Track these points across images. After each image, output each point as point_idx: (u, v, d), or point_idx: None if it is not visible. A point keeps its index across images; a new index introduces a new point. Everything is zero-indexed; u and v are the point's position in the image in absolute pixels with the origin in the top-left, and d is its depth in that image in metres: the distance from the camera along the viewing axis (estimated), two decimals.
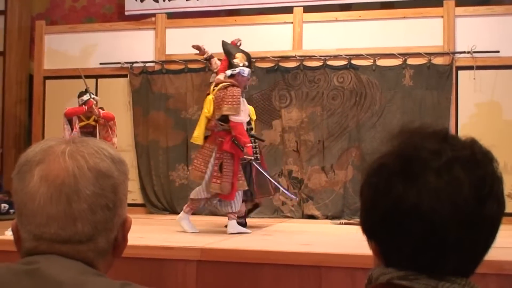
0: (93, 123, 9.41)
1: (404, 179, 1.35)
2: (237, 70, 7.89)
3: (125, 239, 1.58)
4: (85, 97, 9.37)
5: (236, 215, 7.89)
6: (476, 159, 1.36)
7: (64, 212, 1.45)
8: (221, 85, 7.87)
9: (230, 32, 11.28)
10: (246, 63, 8.02)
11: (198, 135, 7.99)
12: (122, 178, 1.54)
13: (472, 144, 1.39)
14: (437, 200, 1.32)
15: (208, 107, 7.87)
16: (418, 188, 1.33)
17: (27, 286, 1.38)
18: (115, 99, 11.54)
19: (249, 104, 10.95)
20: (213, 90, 7.92)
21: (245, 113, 7.97)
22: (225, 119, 7.69)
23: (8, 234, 6.55)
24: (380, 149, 1.44)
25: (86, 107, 9.23)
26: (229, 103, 7.65)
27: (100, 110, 9.30)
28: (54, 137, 1.57)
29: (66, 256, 1.45)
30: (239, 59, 8.01)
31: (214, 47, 11.26)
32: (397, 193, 1.35)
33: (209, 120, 7.89)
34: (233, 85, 7.80)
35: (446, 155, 1.35)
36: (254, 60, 10.95)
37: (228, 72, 7.92)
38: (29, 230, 1.49)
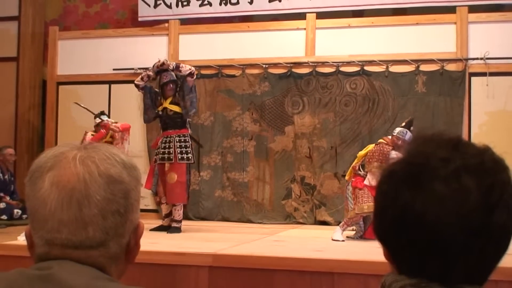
0: (110, 139, 9.59)
1: (411, 186, 1.35)
2: (396, 131, 8.26)
3: (137, 244, 1.58)
4: (97, 120, 9.93)
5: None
6: (485, 167, 1.34)
7: (75, 218, 1.45)
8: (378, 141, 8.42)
9: (243, 38, 11.33)
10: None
11: (348, 172, 8.65)
12: (133, 184, 1.54)
13: (483, 152, 1.38)
14: (443, 208, 1.31)
15: (363, 152, 8.47)
16: (424, 196, 1.33)
17: None
18: (128, 104, 11.57)
19: (261, 110, 11.01)
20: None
21: None
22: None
23: (21, 240, 6.59)
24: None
25: (104, 131, 9.65)
26: (379, 160, 8.08)
27: (116, 125, 9.66)
28: (67, 143, 1.57)
29: (78, 261, 1.45)
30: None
31: (227, 53, 11.33)
32: (404, 200, 1.35)
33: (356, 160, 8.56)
34: (386, 144, 8.20)
35: (455, 163, 1.34)
36: (267, 66, 10.99)
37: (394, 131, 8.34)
38: (41, 236, 1.49)
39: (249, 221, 10.71)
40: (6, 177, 10.96)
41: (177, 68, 8.76)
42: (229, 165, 11.19)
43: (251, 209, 10.96)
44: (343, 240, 7.92)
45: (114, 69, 11.85)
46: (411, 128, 8.21)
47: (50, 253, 1.47)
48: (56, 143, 11.45)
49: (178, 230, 8.56)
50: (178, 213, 8.74)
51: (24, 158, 12.12)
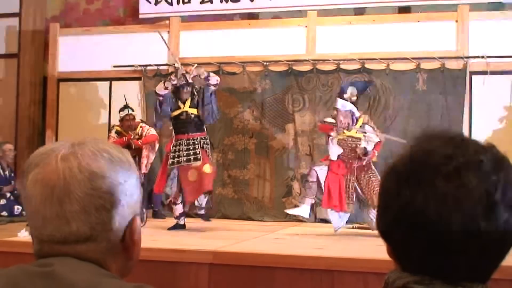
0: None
1: (412, 183, 1.35)
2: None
3: (133, 240, 1.57)
4: (122, 114, 10.07)
5: None
6: (488, 165, 1.34)
7: (56, 214, 1.46)
8: None
9: (244, 35, 11.32)
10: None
11: None
12: (121, 179, 1.53)
13: (486, 150, 1.38)
14: (443, 205, 1.31)
15: None
16: (425, 192, 1.33)
17: None
18: (128, 101, 11.55)
19: (262, 107, 10.99)
20: None
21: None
22: None
23: (21, 236, 6.59)
24: (396, 153, 1.44)
25: (125, 138, 9.83)
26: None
27: (137, 142, 9.88)
28: (63, 140, 1.57)
29: (67, 256, 1.46)
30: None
31: (227, 50, 11.32)
32: (404, 197, 1.35)
33: None
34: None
35: (457, 160, 1.34)
36: (267, 63, 10.98)
37: None
38: (31, 233, 1.53)
39: (250, 218, 10.71)
40: (6, 173, 10.96)
41: (206, 78, 8.73)
42: (230, 163, 11.18)
43: (251, 206, 10.96)
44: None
45: (114, 66, 11.83)
46: (345, 95, 8.50)
47: (42, 249, 1.50)
48: (56, 140, 11.45)
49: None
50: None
51: (24, 154, 12.10)
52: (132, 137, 9.88)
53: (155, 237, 7.11)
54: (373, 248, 6.10)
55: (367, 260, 5.66)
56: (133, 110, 10.06)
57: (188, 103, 8.75)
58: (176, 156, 8.67)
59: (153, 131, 10.10)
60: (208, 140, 8.86)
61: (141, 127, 10.13)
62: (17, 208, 10.22)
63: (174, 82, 8.77)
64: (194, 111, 8.75)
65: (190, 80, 8.71)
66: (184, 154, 8.63)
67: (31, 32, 12.81)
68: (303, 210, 8.52)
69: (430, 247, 1.34)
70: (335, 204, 8.32)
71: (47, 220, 1.47)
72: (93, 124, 11.69)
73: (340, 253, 6.25)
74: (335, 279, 5.64)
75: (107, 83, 11.95)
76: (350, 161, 8.45)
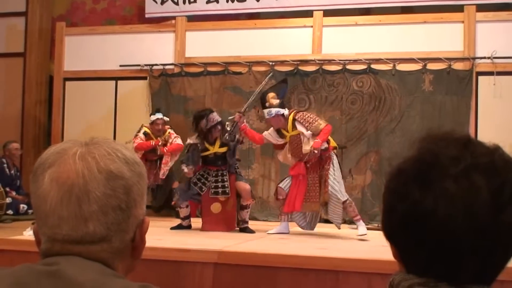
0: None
1: (420, 184, 1.35)
2: None
3: (142, 240, 1.58)
4: (153, 117, 10.39)
5: None
6: (496, 166, 1.34)
7: (74, 214, 1.46)
8: None
9: (250, 35, 11.32)
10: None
11: None
12: (135, 179, 1.54)
13: (493, 151, 1.38)
14: (452, 207, 1.31)
15: None
16: (434, 194, 1.32)
17: (48, 287, 1.39)
18: (134, 101, 11.57)
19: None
20: None
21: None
22: None
23: (26, 235, 6.60)
24: (402, 154, 1.44)
25: (153, 143, 10.15)
26: None
27: (162, 149, 10.24)
28: (71, 139, 1.57)
29: (79, 256, 1.46)
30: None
31: (233, 50, 11.30)
32: (413, 198, 1.35)
33: None
34: None
35: (465, 161, 1.33)
36: (273, 63, 10.97)
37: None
38: (43, 232, 1.51)
39: (254, 218, 10.68)
40: (12, 172, 10.98)
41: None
42: None
43: (256, 206, 10.92)
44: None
45: (120, 66, 11.84)
46: (266, 104, 8.43)
47: (52, 248, 1.49)
48: (62, 139, 11.47)
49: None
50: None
51: (30, 153, 12.14)
52: (160, 143, 10.04)
53: (160, 236, 7.11)
54: (377, 249, 6.10)
55: (371, 261, 5.65)
56: (163, 115, 10.33)
57: (218, 143, 8.74)
58: (201, 183, 8.69)
59: (179, 140, 10.22)
60: (237, 165, 8.97)
61: (169, 133, 10.28)
62: (23, 207, 10.24)
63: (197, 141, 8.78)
64: (223, 149, 8.73)
65: (220, 118, 8.77)
66: (212, 186, 8.66)
67: (37, 31, 12.84)
68: (283, 228, 8.53)
69: (437, 248, 1.34)
70: (289, 207, 8.38)
71: (64, 219, 1.46)
72: (99, 123, 11.69)
73: (345, 254, 6.24)
74: (340, 279, 5.63)
75: (113, 82, 11.96)
76: (305, 159, 8.42)
